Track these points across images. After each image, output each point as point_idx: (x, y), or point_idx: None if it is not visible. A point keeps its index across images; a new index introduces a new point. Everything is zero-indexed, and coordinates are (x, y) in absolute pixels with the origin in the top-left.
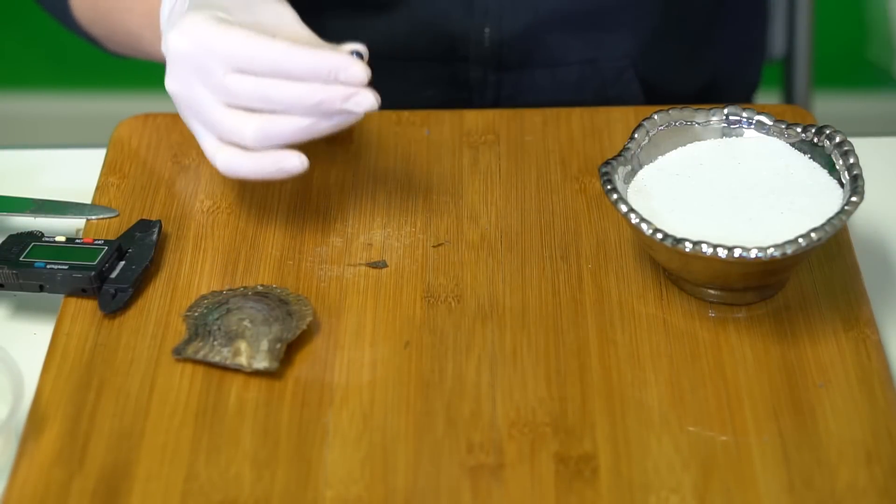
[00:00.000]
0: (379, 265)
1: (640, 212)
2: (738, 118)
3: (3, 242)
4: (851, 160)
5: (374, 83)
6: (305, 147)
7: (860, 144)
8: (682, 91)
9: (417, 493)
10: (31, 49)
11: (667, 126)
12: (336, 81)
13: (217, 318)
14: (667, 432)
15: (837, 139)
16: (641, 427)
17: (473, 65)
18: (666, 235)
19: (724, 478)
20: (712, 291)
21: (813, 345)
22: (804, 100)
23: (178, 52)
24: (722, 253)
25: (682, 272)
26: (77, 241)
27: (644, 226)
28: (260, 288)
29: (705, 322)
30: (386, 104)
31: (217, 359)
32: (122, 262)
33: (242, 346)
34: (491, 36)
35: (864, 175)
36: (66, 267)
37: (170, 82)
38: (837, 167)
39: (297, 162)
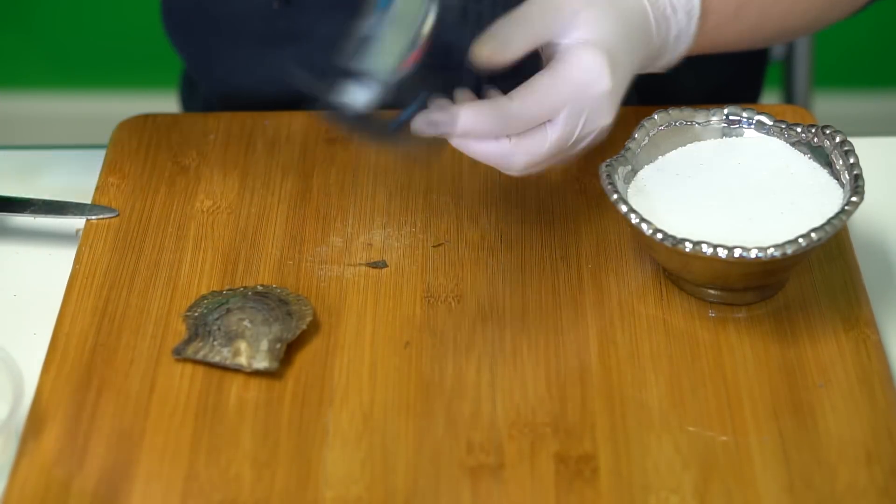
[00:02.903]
0: (379, 265)
1: (640, 212)
2: (738, 118)
3: None
4: (852, 160)
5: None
6: (306, 147)
7: (860, 144)
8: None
9: (417, 494)
10: (31, 49)
11: (667, 126)
12: None
13: (217, 318)
14: (667, 432)
15: (837, 139)
16: (641, 427)
17: (465, 72)
18: (666, 235)
19: (724, 478)
20: (712, 291)
21: (813, 345)
22: (804, 100)
23: None
24: (722, 253)
25: (682, 272)
26: None
27: (644, 226)
28: (260, 288)
29: (705, 322)
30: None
31: (217, 359)
32: None
33: (242, 346)
34: None
35: (864, 175)
36: None
37: None
38: (837, 167)
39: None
